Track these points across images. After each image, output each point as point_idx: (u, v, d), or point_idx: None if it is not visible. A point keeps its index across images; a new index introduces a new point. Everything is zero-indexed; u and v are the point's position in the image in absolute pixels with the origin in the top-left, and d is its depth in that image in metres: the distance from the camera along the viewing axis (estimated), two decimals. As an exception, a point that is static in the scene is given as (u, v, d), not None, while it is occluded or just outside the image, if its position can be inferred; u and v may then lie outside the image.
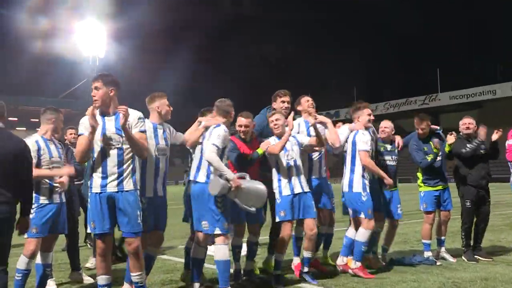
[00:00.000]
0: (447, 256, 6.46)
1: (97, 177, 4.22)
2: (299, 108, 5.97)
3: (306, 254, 5.46)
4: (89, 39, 51.07)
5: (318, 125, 5.60)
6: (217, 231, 4.70)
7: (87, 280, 5.84)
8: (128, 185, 4.21)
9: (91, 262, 6.59)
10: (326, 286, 5.29)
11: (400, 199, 6.51)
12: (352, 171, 5.78)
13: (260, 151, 5.34)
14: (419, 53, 66.36)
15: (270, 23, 76.64)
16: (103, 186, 4.19)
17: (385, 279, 5.51)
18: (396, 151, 6.50)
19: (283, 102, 5.83)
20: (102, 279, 4.26)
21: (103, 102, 4.27)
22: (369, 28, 72.37)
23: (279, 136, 5.39)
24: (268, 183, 5.32)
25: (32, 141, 4.73)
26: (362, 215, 5.68)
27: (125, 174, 4.21)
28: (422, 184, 6.63)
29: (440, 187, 6.54)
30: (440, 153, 6.41)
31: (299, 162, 5.41)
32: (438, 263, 6.21)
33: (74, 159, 5.38)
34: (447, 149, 6.60)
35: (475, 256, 6.43)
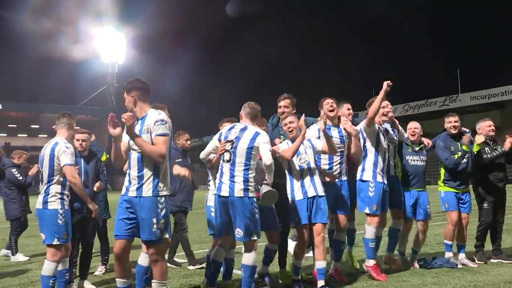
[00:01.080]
0: (467, 261, 6.28)
1: (126, 181, 4.27)
2: (321, 110, 5.77)
3: (318, 265, 5.09)
4: (108, 46, 51.82)
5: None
6: (254, 237, 4.65)
7: None
8: (147, 190, 4.13)
9: (99, 270, 6.63)
10: (345, 289, 5.25)
11: (429, 201, 6.37)
12: (364, 159, 5.73)
13: None
14: (439, 54, 65.72)
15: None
16: (126, 189, 4.22)
17: (405, 282, 5.44)
18: (425, 151, 6.43)
19: (280, 107, 5.83)
20: (119, 282, 4.26)
21: (130, 110, 4.30)
22: (388, 28, 72.01)
23: (293, 140, 5.30)
24: (280, 188, 5.21)
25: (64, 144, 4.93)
26: (366, 210, 5.63)
27: (144, 179, 4.16)
28: (442, 184, 6.49)
29: (460, 190, 6.41)
30: (467, 154, 6.30)
31: (313, 165, 5.26)
32: (459, 266, 6.12)
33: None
34: (475, 149, 6.50)
35: (494, 260, 6.40)
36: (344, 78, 69.73)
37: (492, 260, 6.49)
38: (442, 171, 6.52)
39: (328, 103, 5.67)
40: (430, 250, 7.45)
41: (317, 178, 5.26)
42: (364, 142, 5.76)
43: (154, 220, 4.11)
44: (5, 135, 62.13)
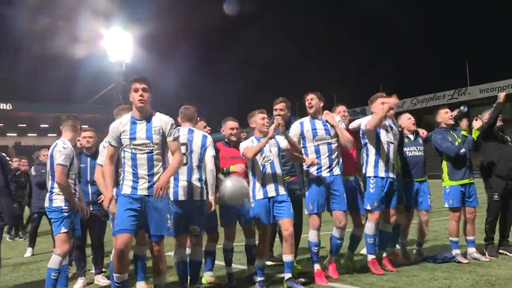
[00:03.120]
0: (478, 255, 6.21)
1: (128, 180, 4.29)
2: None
3: (286, 258, 5.13)
4: (116, 45, 51.96)
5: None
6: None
7: None
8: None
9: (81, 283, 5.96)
10: (355, 285, 5.20)
11: (430, 191, 6.40)
12: (366, 156, 5.80)
13: (231, 168, 5.40)
14: (447, 47, 65.17)
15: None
16: (134, 188, 4.26)
17: (416, 276, 5.39)
18: (421, 140, 6.43)
19: (276, 109, 6.02)
20: (119, 277, 4.24)
21: (145, 105, 4.32)
22: (395, 21, 71.56)
23: (261, 137, 5.33)
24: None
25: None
26: (368, 206, 5.66)
27: (155, 178, 4.26)
28: (447, 178, 6.34)
29: (466, 181, 6.29)
30: (466, 140, 6.31)
31: (276, 164, 5.23)
32: (465, 261, 6.02)
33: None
34: (474, 134, 6.45)
35: (500, 252, 6.33)
36: (341, 77, 69.45)
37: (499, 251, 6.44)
38: (444, 165, 6.37)
39: (307, 100, 5.68)
40: (440, 245, 7.40)
41: (280, 178, 5.23)
42: (364, 139, 5.80)
43: (168, 216, 4.35)
44: (15, 134, 62.52)
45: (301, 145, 5.57)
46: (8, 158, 5.25)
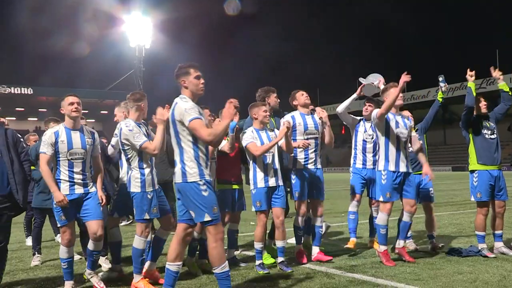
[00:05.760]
0: (506, 250, 6.01)
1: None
2: (294, 102, 6.08)
3: (278, 244, 5.52)
4: (136, 31, 52.08)
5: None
6: None
7: None
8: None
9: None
10: (377, 276, 5.10)
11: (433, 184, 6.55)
12: (378, 150, 5.91)
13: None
14: (476, 35, 63.54)
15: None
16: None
17: (440, 270, 5.27)
18: (418, 136, 6.37)
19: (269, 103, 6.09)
20: (175, 266, 4.11)
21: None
22: (425, 7, 70.11)
23: (260, 129, 5.55)
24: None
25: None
26: (380, 198, 5.78)
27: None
28: (475, 161, 6.04)
29: (495, 167, 6.00)
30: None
31: (276, 157, 5.54)
32: (492, 256, 5.84)
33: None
34: (470, 85, 6.19)
35: None
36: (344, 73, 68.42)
37: None
38: (472, 148, 6.09)
39: (303, 94, 6.01)
40: (465, 238, 7.24)
41: (278, 170, 5.56)
42: (376, 133, 5.90)
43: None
44: (36, 119, 63.37)
45: (291, 138, 5.75)
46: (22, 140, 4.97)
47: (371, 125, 6.21)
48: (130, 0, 52.04)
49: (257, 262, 5.50)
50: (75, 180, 4.75)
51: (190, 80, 4.16)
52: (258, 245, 5.49)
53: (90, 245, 4.88)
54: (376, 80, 6.43)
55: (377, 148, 5.99)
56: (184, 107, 4.00)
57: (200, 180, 3.98)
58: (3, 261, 4.78)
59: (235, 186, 5.75)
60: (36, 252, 6.40)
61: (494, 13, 63.10)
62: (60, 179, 4.74)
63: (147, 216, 4.91)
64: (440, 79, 6.57)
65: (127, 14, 52.08)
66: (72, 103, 4.82)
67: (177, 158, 4.08)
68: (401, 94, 5.73)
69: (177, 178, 4.05)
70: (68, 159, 4.73)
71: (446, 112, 60.62)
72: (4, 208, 4.63)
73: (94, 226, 4.77)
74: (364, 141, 6.51)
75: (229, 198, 5.68)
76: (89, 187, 4.87)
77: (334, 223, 9.05)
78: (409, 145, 6.08)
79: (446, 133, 64.19)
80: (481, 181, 6.00)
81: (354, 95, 6.59)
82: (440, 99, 6.65)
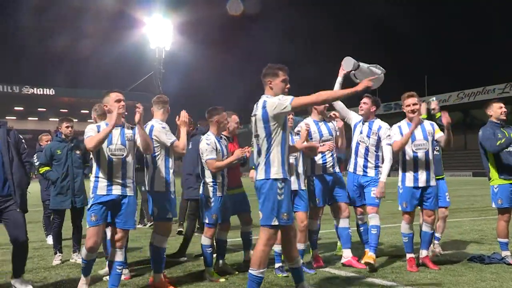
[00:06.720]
0: None
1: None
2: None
3: (299, 246, 5.42)
4: (156, 33, 52.55)
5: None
6: None
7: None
8: None
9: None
10: (397, 281, 5.05)
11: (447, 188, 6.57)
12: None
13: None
14: (498, 38, 62.28)
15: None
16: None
17: (461, 276, 5.19)
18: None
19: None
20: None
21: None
22: (447, 9, 69.21)
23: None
24: None
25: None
26: (399, 207, 5.86)
27: None
28: (496, 176, 5.97)
29: None
30: None
31: (300, 161, 5.62)
32: None
33: None
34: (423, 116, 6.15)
35: None
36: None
37: None
38: (492, 162, 6.00)
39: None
40: (487, 245, 7.11)
41: (301, 174, 5.63)
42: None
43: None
44: (57, 119, 64.20)
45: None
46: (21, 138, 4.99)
47: (367, 131, 6.00)
48: (151, 2, 52.57)
49: (276, 265, 5.50)
50: (113, 180, 4.55)
51: (276, 82, 4.16)
52: (277, 248, 5.46)
53: (112, 255, 4.66)
54: (378, 71, 5.49)
55: (368, 155, 5.96)
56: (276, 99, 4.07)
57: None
58: (22, 256, 4.88)
59: (239, 190, 5.93)
60: (57, 251, 6.50)
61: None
62: (98, 177, 4.57)
63: (170, 215, 4.96)
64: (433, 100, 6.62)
65: (148, 16, 52.58)
66: (119, 100, 4.68)
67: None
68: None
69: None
70: (107, 155, 4.55)
71: (468, 116, 59.60)
72: (11, 205, 4.77)
73: (120, 233, 4.65)
74: (358, 143, 6.06)
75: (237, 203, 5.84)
76: (127, 189, 4.64)
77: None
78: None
79: (466, 138, 63.19)
80: (502, 189, 5.94)
81: (339, 78, 5.91)
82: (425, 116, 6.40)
